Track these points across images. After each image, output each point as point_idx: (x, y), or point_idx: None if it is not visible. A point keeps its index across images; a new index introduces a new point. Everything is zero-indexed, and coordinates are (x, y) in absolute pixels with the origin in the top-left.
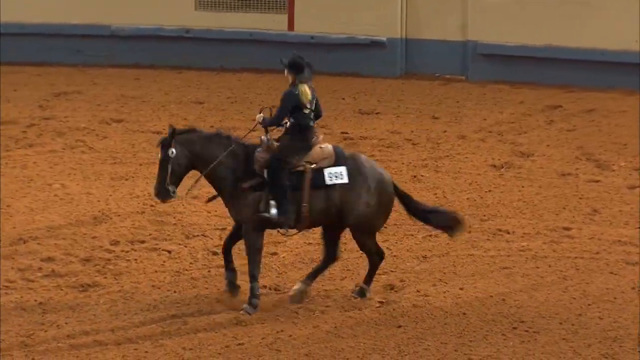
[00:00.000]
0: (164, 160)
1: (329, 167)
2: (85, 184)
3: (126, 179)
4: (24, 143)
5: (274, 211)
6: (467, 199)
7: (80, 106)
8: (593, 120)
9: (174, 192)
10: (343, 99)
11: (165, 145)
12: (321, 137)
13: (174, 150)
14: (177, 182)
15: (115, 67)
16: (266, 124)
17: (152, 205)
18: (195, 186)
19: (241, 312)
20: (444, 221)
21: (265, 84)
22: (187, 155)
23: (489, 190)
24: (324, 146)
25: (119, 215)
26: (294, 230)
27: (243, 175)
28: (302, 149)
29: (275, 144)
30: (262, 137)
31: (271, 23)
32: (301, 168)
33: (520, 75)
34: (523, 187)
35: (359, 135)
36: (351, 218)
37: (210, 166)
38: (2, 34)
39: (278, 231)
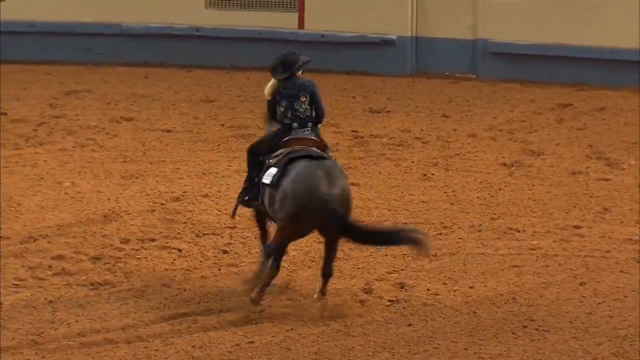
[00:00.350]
0: None
1: (273, 166)
2: (95, 182)
3: (136, 177)
4: (34, 141)
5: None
6: (478, 197)
7: (90, 104)
8: (604, 118)
9: None
10: (353, 97)
11: None
12: (299, 135)
13: None
14: None
15: (124, 66)
16: None
17: (162, 204)
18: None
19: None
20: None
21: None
22: None
23: (499, 189)
24: (296, 146)
25: (129, 214)
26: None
27: None
28: (272, 145)
29: None
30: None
31: (281, 21)
32: (264, 162)
33: (530, 73)
34: (533, 185)
35: (369, 133)
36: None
37: None
38: (11, 32)
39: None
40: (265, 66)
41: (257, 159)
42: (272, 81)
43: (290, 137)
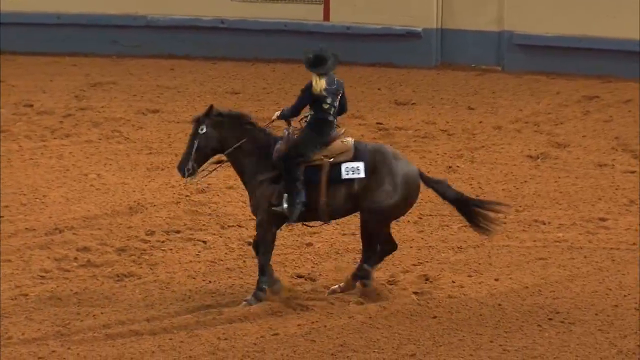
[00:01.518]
0: (193, 137)
1: (346, 161)
2: (121, 174)
3: (162, 169)
4: (60, 133)
5: (285, 204)
6: (503, 189)
7: (116, 96)
8: (630, 110)
9: (193, 171)
10: (378, 89)
11: (198, 121)
12: (343, 130)
13: (204, 127)
14: (200, 161)
15: (150, 58)
16: (284, 116)
17: (187, 196)
18: (216, 169)
19: (242, 304)
20: (483, 220)
21: (300, 74)
22: (216, 137)
23: (525, 181)
24: (345, 140)
25: (154, 206)
26: (319, 223)
27: (262, 166)
28: (319, 143)
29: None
30: (285, 129)
31: (307, 13)
32: (319, 162)
33: (556, 65)
34: (559, 177)
35: (394, 125)
36: (368, 208)
37: (230, 149)
38: (38, 24)
39: (303, 224)
40: (290, 58)
41: (301, 160)
42: (320, 78)
43: (334, 131)
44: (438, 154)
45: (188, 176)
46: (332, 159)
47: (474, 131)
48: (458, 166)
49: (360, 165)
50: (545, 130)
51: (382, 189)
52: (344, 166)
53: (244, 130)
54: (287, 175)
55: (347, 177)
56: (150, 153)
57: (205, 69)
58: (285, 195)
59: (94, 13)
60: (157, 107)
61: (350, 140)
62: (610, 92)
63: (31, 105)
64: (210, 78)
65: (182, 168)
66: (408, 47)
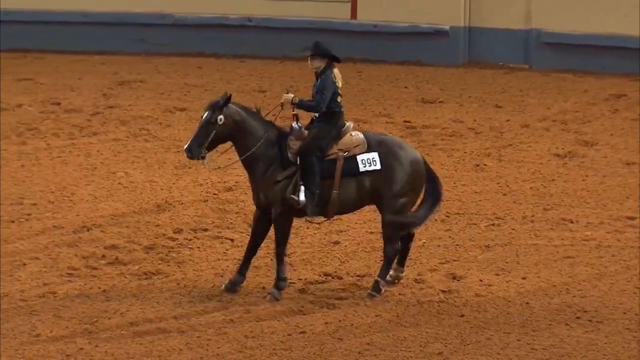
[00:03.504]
0: (208, 124)
1: (360, 154)
2: (148, 172)
3: (189, 167)
4: (88, 131)
5: (302, 196)
6: (531, 188)
7: (144, 95)
8: None
9: (204, 156)
10: (406, 87)
11: (214, 109)
12: (352, 124)
13: (222, 117)
14: (211, 149)
15: (178, 56)
16: (313, 109)
17: (215, 194)
18: (224, 161)
19: (267, 297)
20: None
21: None
22: (231, 128)
23: (553, 180)
24: (354, 134)
25: (182, 204)
26: (321, 218)
27: (277, 162)
28: (334, 137)
29: (306, 131)
30: (294, 124)
31: (334, 11)
32: (333, 156)
33: (584, 64)
34: (587, 176)
35: (421, 124)
36: (385, 200)
37: (250, 148)
38: (66, 22)
39: (306, 219)
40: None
41: (319, 155)
42: (336, 69)
43: (344, 124)
44: (466, 152)
45: (198, 159)
46: (346, 152)
47: (501, 129)
48: (485, 164)
49: (375, 156)
50: (573, 128)
51: (395, 178)
52: (359, 158)
53: (261, 127)
54: (306, 170)
55: (364, 169)
56: (178, 151)
57: (232, 67)
58: (303, 189)
59: (122, 11)
60: (184, 105)
61: (359, 134)
62: (638, 91)
63: (59, 104)
64: (237, 76)
65: (194, 153)
66: (435, 45)
